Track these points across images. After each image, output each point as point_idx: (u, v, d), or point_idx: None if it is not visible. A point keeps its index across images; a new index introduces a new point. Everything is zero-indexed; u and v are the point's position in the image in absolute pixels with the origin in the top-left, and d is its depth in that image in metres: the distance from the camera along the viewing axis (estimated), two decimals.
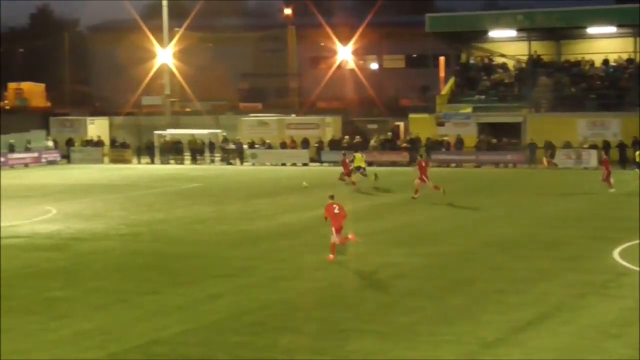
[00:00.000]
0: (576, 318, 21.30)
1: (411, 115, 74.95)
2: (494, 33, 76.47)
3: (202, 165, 72.29)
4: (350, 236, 29.65)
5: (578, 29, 74.53)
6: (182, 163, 73.38)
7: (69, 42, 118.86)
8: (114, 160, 75.65)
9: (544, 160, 62.93)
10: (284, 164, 70.42)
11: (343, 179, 51.69)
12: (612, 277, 25.74)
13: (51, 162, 75.24)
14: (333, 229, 29.08)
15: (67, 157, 77.12)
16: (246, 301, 23.50)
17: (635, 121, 64.94)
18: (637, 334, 19.62)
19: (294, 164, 70.09)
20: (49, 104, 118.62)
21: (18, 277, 27.22)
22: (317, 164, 69.80)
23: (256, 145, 72.54)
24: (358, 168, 52.08)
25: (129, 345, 19.58)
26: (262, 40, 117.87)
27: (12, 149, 74.29)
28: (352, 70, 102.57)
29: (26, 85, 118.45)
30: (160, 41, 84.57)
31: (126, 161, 74.88)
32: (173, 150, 74.86)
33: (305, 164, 69.27)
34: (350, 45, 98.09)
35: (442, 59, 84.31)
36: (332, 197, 29.78)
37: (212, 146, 74.34)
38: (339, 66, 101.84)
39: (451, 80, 78.28)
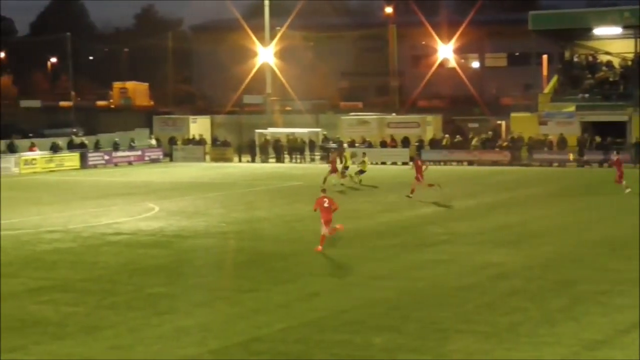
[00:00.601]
0: None
1: (513, 114, 74.09)
2: (599, 30, 75.09)
3: (302, 163, 72.51)
4: (337, 226, 31.08)
5: None
6: (282, 161, 73.71)
7: (173, 41, 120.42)
8: (215, 159, 76.33)
9: None
10: (384, 163, 70.22)
11: (344, 175, 52.66)
12: None
13: (154, 160, 76.29)
14: (322, 221, 30.44)
15: (169, 155, 78.10)
16: (345, 300, 23.48)
17: None
18: None
19: (394, 163, 69.85)
20: (152, 103, 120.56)
21: (121, 273, 27.65)
22: None
23: (356, 144, 72.48)
24: (347, 168, 53.41)
25: (229, 342, 19.72)
26: (363, 39, 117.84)
27: (116, 147, 75.54)
28: (453, 68, 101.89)
29: (130, 85, 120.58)
30: (262, 40, 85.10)
31: (227, 159, 75.49)
32: (273, 148, 75.25)
33: (405, 163, 68.90)
34: (452, 44, 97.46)
35: (545, 57, 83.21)
36: (323, 190, 31.77)
37: (312, 145, 74.52)
38: (440, 65, 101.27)
39: (554, 79, 77.17)
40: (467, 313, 21.84)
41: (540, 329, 20.27)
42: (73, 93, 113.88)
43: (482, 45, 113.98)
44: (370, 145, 71.76)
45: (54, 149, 71.76)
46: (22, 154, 68.92)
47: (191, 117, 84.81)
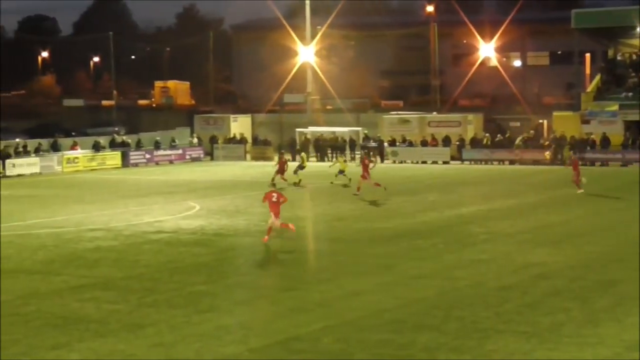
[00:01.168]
0: None
1: (555, 113, 73.66)
2: None
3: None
4: (291, 225, 32.81)
5: None
6: (323, 160, 73.71)
7: (214, 41, 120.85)
8: (255, 158, 76.52)
9: None
10: (424, 162, 70.07)
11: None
12: None
13: (195, 159, 76.61)
14: (272, 214, 32.12)
15: (210, 154, 78.39)
16: (385, 299, 23.44)
17: None
18: None
19: (434, 162, 69.68)
20: (193, 102, 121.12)
21: (163, 271, 27.78)
22: (458, 162, 69.24)
23: (397, 143, 72.38)
24: (303, 167, 53.69)
25: (269, 341, 19.75)
26: (404, 38, 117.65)
27: (157, 146, 75.94)
28: (494, 67, 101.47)
29: (172, 84, 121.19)
30: (303, 39, 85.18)
31: (268, 158, 75.59)
32: (314, 147, 75.29)
33: (446, 162, 68.80)
34: (493, 42, 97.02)
35: (587, 55, 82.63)
36: (273, 185, 33.03)
37: (352, 144, 74.48)
38: (482, 63, 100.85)
39: (597, 77, 76.62)
40: (508, 313, 21.72)
41: (582, 329, 20.13)
42: (115, 92, 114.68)
43: (524, 44, 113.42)
44: (411, 144, 71.66)
45: (96, 147, 72.29)
46: (64, 152, 69.49)
47: (232, 116, 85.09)
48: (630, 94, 72.12)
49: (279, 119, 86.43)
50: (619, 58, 77.19)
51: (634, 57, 76.05)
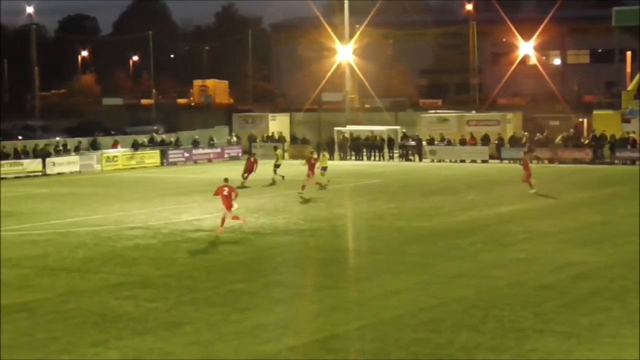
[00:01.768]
0: None
1: (595, 112, 73.09)
2: None
3: (381, 161, 72.38)
4: (241, 219, 34.98)
5: None
6: (361, 159, 73.65)
7: (252, 39, 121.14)
8: (293, 156, 76.46)
9: None
10: (463, 161, 69.82)
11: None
12: None
13: (233, 158, 76.73)
14: (224, 207, 34.32)
15: (248, 153, 78.54)
16: (424, 298, 23.37)
17: None
18: None
19: (473, 161, 69.41)
20: (232, 101, 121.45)
21: (201, 269, 27.85)
22: (497, 160, 68.91)
23: (435, 142, 72.17)
24: (278, 166, 52.68)
25: (307, 339, 19.74)
26: (443, 37, 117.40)
27: (196, 144, 76.18)
28: (534, 66, 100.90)
29: (210, 83, 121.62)
30: (341, 38, 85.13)
31: (306, 157, 75.56)
32: (352, 146, 75.24)
33: (484, 161, 68.47)
34: (533, 41, 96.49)
35: (628, 53, 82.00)
36: (226, 180, 35.60)
37: (391, 142, 74.34)
38: (521, 62, 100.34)
39: (638, 76, 75.93)
40: (547, 313, 21.59)
41: (622, 329, 19.95)
42: (154, 91, 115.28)
43: (564, 42, 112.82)
44: (449, 143, 71.40)
45: (135, 146, 72.66)
46: (104, 151, 69.90)
47: (270, 115, 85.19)
48: None
49: (317, 117, 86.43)
50: None
51: None
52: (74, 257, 30.47)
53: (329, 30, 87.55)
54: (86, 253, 31.11)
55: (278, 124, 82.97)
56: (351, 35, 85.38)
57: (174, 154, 73.28)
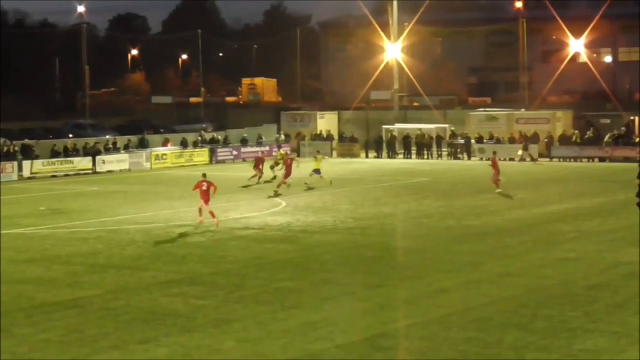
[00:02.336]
0: None
1: None
2: None
3: (430, 159, 72.16)
4: (215, 219, 36.03)
5: None
6: (409, 157, 73.48)
7: (301, 38, 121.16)
8: (342, 154, 76.55)
9: None
10: (512, 159, 69.41)
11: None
12: None
13: None
14: (202, 201, 36.33)
15: (297, 151, 78.64)
16: (472, 297, 23.27)
17: None
18: None
19: (522, 159, 68.97)
20: (280, 99, 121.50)
21: (250, 267, 27.94)
22: (547, 159, 68.44)
23: (484, 140, 71.81)
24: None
25: (355, 338, 19.73)
26: (492, 34, 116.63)
27: (244, 142, 76.40)
28: (584, 63, 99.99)
29: (259, 81, 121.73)
30: (390, 36, 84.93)
31: (354, 155, 75.61)
32: (401, 144, 75.09)
33: (533, 159, 68.01)
34: (583, 38, 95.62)
35: None
36: (204, 175, 37.76)
37: (439, 140, 74.09)
38: (571, 59, 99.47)
39: None
40: (597, 312, 21.40)
41: None
42: (203, 89, 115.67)
43: (615, 40, 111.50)
44: (498, 141, 71.01)
45: (184, 144, 73.02)
46: (153, 149, 70.32)
47: (319, 113, 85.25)
48: None
49: (365, 115, 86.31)
50: None
51: None
52: (124, 254, 30.70)
53: (378, 28, 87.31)
54: (135, 250, 31.33)
55: (326, 122, 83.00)
56: (400, 33, 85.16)
57: (222, 152, 73.58)
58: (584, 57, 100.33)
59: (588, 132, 69.85)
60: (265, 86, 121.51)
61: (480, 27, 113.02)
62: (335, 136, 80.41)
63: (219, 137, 77.25)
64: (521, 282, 25.03)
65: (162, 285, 25.41)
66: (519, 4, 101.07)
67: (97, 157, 65.57)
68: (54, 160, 63.48)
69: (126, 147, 69.60)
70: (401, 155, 74.28)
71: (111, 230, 35.97)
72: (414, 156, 73.77)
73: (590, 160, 67.12)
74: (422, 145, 74.21)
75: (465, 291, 23.99)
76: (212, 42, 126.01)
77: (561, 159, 66.53)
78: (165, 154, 69.95)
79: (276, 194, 47.43)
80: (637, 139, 67.81)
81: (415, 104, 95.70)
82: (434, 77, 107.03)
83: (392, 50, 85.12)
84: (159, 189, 52.34)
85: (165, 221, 38.30)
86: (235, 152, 74.43)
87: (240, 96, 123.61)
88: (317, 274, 26.80)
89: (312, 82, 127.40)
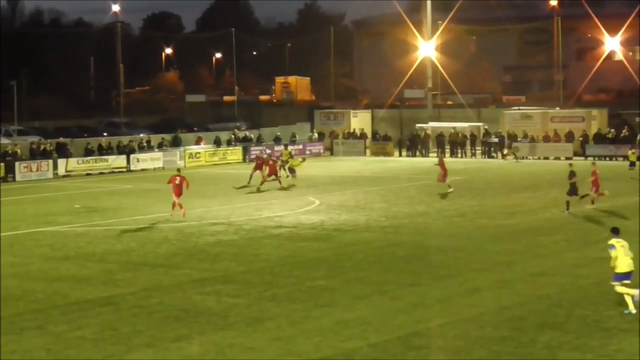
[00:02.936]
0: None
1: None
2: None
3: (463, 158, 71.92)
4: (182, 211, 38.07)
5: None
6: (443, 156, 73.16)
7: (334, 36, 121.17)
8: (375, 153, 76.43)
9: None
10: (546, 158, 69.05)
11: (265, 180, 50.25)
12: None
13: (315, 154, 76.88)
14: (174, 194, 38.32)
15: (330, 149, 78.63)
16: (506, 296, 23.18)
17: None
18: None
19: (557, 158, 68.61)
20: (314, 97, 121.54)
21: (283, 266, 27.97)
22: (582, 158, 68.02)
23: (518, 139, 71.47)
24: (291, 170, 51.63)
25: (388, 336, 19.70)
26: (527, 32, 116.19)
27: (278, 141, 76.46)
28: (620, 61, 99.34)
29: (292, 79, 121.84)
30: (424, 34, 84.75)
31: (388, 154, 75.48)
32: (434, 143, 74.88)
33: (568, 158, 67.60)
34: (619, 36, 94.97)
35: None
36: (178, 170, 40.60)
37: (473, 139, 73.84)
38: (607, 57, 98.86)
39: None
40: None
41: None
42: (236, 88, 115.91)
43: None
44: (532, 140, 70.67)
45: (218, 142, 73.20)
46: (187, 147, 70.52)
47: (352, 112, 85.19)
48: None
49: (399, 114, 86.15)
50: None
51: None
52: (158, 252, 30.82)
53: (412, 26, 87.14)
54: (169, 248, 31.44)
55: (360, 120, 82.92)
56: (434, 32, 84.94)
57: (256, 151, 73.61)
58: (619, 55, 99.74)
59: (623, 131, 69.33)
60: (299, 85, 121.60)
61: (515, 25, 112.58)
62: (369, 135, 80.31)
63: (252, 136, 77.36)
64: (555, 282, 24.91)
65: (196, 283, 25.48)
66: (554, 2, 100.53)
67: (132, 156, 65.84)
68: (88, 158, 63.84)
69: (160, 146, 69.82)
70: (435, 154, 74.05)
71: (145, 229, 36.12)
72: (447, 155, 73.52)
73: (626, 159, 66.57)
74: (455, 143, 73.97)
75: (498, 290, 23.90)
76: (246, 41, 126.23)
77: (596, 158, 66.06)
78: (199, 153, 70.13)
79: (259, 190, 48.21)
80: None
81: (449, 102, 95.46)
82: (468, 75, 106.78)
83: (426, 49, 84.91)
84: (192, 187, 52.32)
85: (198, 219, 38.40)
86: (268, 151, 74.42)
87: (273, 95, 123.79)
88: (350, 273, 26.79)
89: (346, 81, 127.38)
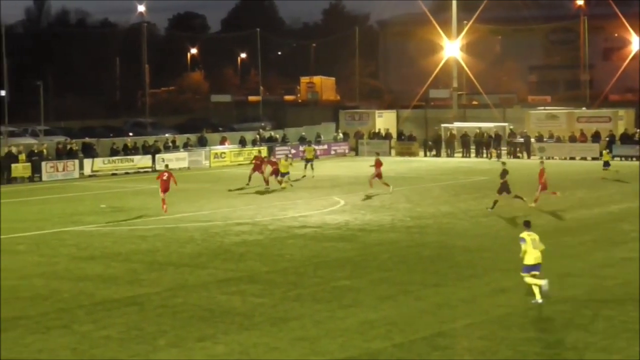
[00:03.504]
0: None
1: None
2: None
3: (489, 158, 71.68)
4: (164, 207, 39.90)
5: None
6: (468, 156, 73.07)
7: (359, 36, 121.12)
8: (400, 153, 76.33)
9: None
10: (572, 158, 68.76)
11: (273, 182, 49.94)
12: None
13: (340, 154, 76.87)
14: (161, 189, 40.20)
15: (355, 149, 78.59)
16: (532, 297, 23.04)
17: None
18: None
19: (583, 158, 68.29)
20: (339, 97, 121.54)
21: (307, 266, 27.95)
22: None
23: (544, 139, 71.18)
24: (283, 174, 50.16)
25: (414, 337, 19.64)
26: (553, 32, 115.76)
27: (302, 141, 76.45)
28: None
29: (317, 79, 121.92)
30: (449, 34, 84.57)
31: (412, 154, 75.35)
32: (459, 143, 74.71)
33: (595, 158, 67.27)
34: None
35: None
36: (167, 166, 43.15)
37: (498, 139, 73.59)
38: (634, 57, 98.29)
39: None
40: None
41: None
42: (262, 88, 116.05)
43: None
44: (558, 140, 70.38)
45: (243, 142, 73.28)
46: (212, 147, 70.64)
47: (377, 112, 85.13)
48: None
49: (424, 114, 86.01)
50: None
51: None
52: (182, 252, 30.86)
53: (437, 26, 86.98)
54: (194, 248, 31.48)
55: (385, 120, 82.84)
56: (459, 32, 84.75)
57: (281, 151, 73.68)
58: None
59: None
60: (324, 85, 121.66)
61: (540, 24, 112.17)
62: (394, 135, 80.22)
63: (277, 136, 77.44)
64: (582, 282, 24.78)
65: (221, 283, 25.50)
66: (580, 2, 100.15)
67: (157, 156, 65.96)
68: (114, 158, 64.05)
69: (185, 146, 69.97)
70: (460, 154, 73.89)
71: (170, 228, 36.18)
72: (472, 155, 73.35)
73: None
74: (481, 144, 73.75)
75: (524, 291, 23.77)
76: (271, 41, 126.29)
77: (623, 158, 65.72)
78: (224, 153, 70.22)
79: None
80: None
81: (474, 102, 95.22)
82: (493, 75, 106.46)
83: (451, 49, 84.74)
84: (218, 187, 52.55)
85: (223, 219, 38.44)
86: (293, 151, 74.52)
87: (298, 95, 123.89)
88: (375, 273, 26.73)
89: (371, 81, 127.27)
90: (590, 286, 24.30)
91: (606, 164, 53.64)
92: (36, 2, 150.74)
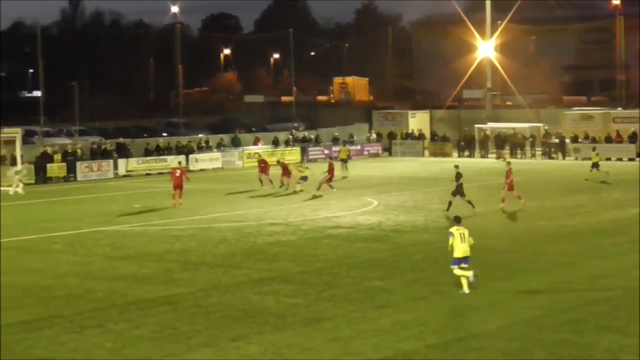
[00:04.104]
0: None
1: None
2: None
3: (523, 159, 71.37)
4: (173, 202, 42.40)
5: None
6: (502, 157, 72.75)
7: (392, 37, 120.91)
8: (434, 154, 76.18)
9: None
10: (608, 159, 68.27)
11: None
12: None
13: (373, 155, 76.81)
14: (173, 187, 42.59)
15: (388, 150, 78.49)
16: (565, 298, 22.96)
17: None
18: None
19: (619, 159, 67.84)
20: (372, 98, 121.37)
21: (341, 266, 27.95)
22: None
23: (579, 140, 70.78)
24: (304, 178, 49.33)
25: (446, 338, 19.60)
26: (588, 32, 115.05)
27: (336, 141, 76.48)
28: None
29: (350, 80, 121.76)
30: (483, 34, 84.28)
31: (446, 154, 75.16)
32: (493, 143, 74.42)
33: (631, 159, 66.83)
34: None
35: None
36: (179, 162, 43.62)
37: (533, 140, 73.24)
38: None
39: None
40: None
41: None
42: (294, 88, 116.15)
43: None
44: (594, 141, 69.97)
45: (276, 143, 73.38)
46: (245, 147, 70.77)
47: (410, 112, 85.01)
48: None
49: (457, 114, 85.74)
50: None
51: None
52: (216, 252, 30.95)
53: (471, 26, 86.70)
54: (228, 248, 31.56)
55: (418, 121, 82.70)
56: (493, 32, 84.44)
57: (313, 151, 73.78)
58: None
59: None
60: (357, 85, 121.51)
61: (575, 24, 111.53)
62: (427, 135, 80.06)
63: (311, 136, 77.49)
64: (616, 284, 24.60)
65: (254, 283, 25.55)
66: (616, 1, 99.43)
67: (190, 156, 66.22)
68: (148, 158, 64.35)
69: (219, 146, 70.17)
70: (494, 155, 73.60)
71: (203, 229, 36.30)
72: (507, 155, 72.99)
73: None
74: (515, 144, 73.42)
75: (557, 292, 23.68)
76: (304, 42, 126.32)
77: None
78: (257, 153, 70.32)
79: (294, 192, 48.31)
80: None
81: (508, 103, 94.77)
82: (527, 75, 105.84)
83: (485, 49, 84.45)
84: (251, 187, 52.63)
85: (256, 219, 38.52)
86: (326, 151, 74.54)
87: (331, 95, 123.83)
88: (408, 274, 26.70)
89: (404, 81, 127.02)
90: (625, 288, 24.12)
91: (595, 165, 53.35)
92: (71, 2, 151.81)
